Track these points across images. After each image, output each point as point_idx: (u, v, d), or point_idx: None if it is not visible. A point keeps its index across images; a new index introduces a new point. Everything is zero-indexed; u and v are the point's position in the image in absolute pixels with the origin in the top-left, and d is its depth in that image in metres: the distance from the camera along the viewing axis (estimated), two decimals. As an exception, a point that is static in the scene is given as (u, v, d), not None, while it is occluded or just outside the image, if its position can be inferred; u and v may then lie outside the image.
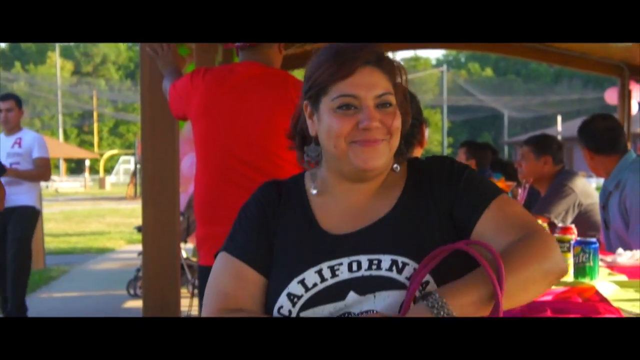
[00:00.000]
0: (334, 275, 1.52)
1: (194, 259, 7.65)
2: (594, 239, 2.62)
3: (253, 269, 1.60)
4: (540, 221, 2.15)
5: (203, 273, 3.00)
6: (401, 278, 1.48)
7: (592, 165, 3.84)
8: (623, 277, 2.68)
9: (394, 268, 1.49)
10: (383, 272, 1.50)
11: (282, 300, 1.54)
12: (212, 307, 1.59)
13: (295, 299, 1.52)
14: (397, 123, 1.56)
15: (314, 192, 1.64)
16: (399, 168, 1.63)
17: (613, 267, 2.99)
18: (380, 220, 1.58)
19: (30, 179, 5.93)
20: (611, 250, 3.53)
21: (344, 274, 1.51)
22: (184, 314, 3.81)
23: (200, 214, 2.98)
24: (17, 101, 6.04)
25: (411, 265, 1.49)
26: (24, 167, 5.95)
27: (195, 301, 5.76)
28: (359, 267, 1.51)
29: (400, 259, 1.50)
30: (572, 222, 4.07)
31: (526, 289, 1.45)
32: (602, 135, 3.83)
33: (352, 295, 1.49)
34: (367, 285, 1.49)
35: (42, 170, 6.03)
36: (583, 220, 4.30)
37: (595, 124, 3.90)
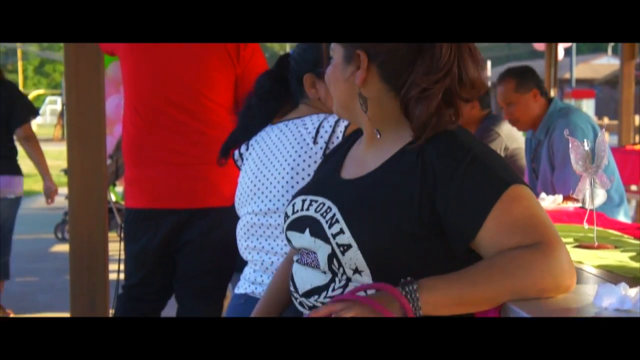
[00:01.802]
0: (303, 208, 1.60)
1: (124, 202, 7.55)
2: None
3: None
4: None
5: (129, 215, 2.97)
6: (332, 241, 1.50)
7: (525, 109, 3.86)
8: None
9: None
10: (327, 230, 1.51)
11: (281, 220, 1.78)
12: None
13: (287, 219, 1.65)
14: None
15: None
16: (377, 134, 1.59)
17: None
18: (362, 177, 1.57)
19: None
20: (538, 200, 3.62)
21: (310, 211, 1.57)
22: (112, 258, 3.77)
23: (129, 155, 2.94)
24: None
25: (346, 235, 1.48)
26: None
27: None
28: (317, 209, 1.56)
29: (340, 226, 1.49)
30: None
31: (493, 303, 1.38)
32: (541, 81, 3.93)
33: (307, 233, 1.55)
34: (316, 230, 1.53)
35: None
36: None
37: (533, 71, 4.00)
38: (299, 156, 2.01)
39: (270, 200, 2.06)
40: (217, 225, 2.78)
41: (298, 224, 1.59)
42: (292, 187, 2.00)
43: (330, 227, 1.50)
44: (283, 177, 2.03)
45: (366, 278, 1.47)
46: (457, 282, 1.38)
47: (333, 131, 1.99)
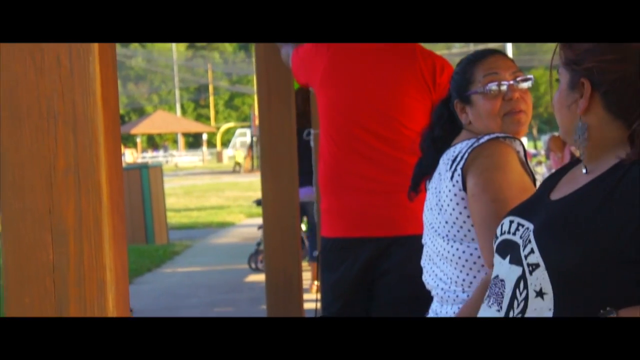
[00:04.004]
0: (510, 231, 1.56)
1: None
2: None
3: None
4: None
5: (327, 244, 2.98)
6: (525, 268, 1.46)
7: None
8: None
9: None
10: (522, 251, 1.46)
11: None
12: None
13: (495, 240, 1.61)
14: None
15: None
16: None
17: None
18: (566, 196, 1.50)
19: None
20: None
21: (515, 236, 1.52)
22: (306, 288, 3.79)
23: (326, 184, 2.96)
24: None
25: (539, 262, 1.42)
26: None
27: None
28: (521, 234, 1.50)
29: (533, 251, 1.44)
30: None
31: None
32: None
33: (507, 259, 1.52)
34: (515, 256, 1.49)
35: None
36: None
37: None
38: (441, 182, 2.06)
39: (432, 230, 2.12)
40: (416, 253, 2.72)
41: (502, 248, 1.57)
42: (439, 213, 2.06)
43: (524, 248, 1.47)
44: (434, 206, 2.09)
45: (548, 302, 1.42)
46: None
47: (463, 154, 2.01)
